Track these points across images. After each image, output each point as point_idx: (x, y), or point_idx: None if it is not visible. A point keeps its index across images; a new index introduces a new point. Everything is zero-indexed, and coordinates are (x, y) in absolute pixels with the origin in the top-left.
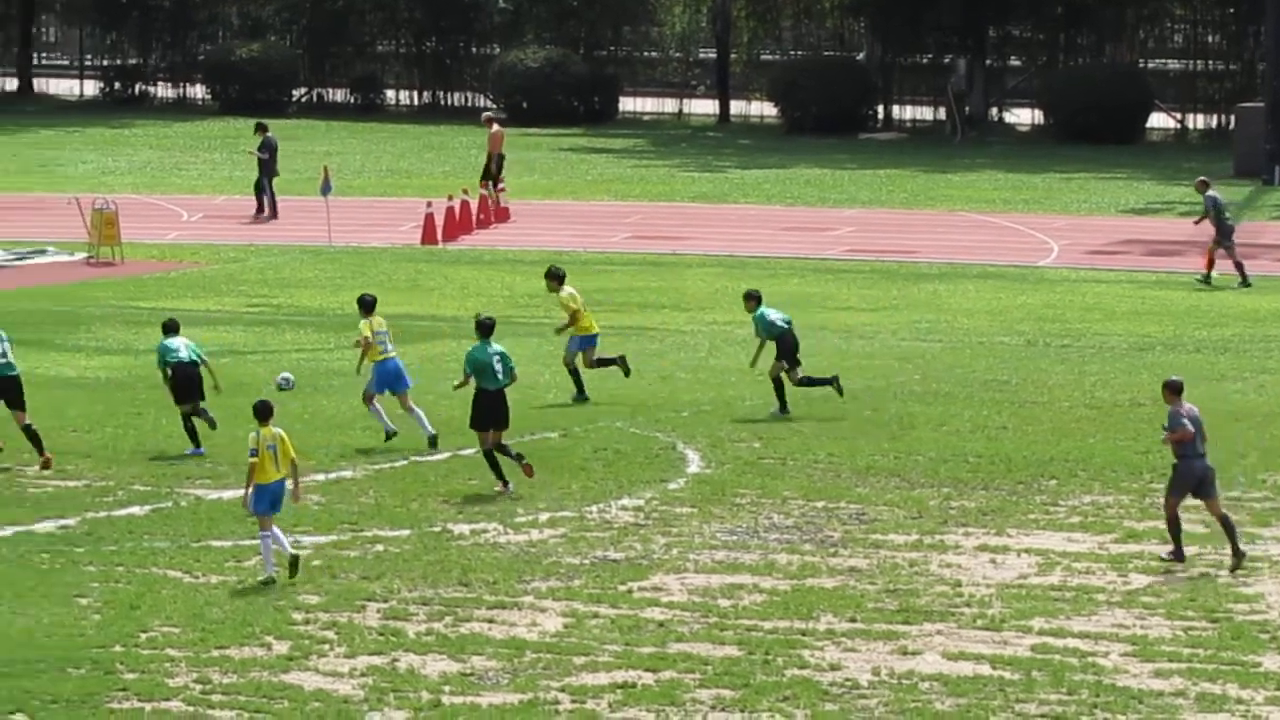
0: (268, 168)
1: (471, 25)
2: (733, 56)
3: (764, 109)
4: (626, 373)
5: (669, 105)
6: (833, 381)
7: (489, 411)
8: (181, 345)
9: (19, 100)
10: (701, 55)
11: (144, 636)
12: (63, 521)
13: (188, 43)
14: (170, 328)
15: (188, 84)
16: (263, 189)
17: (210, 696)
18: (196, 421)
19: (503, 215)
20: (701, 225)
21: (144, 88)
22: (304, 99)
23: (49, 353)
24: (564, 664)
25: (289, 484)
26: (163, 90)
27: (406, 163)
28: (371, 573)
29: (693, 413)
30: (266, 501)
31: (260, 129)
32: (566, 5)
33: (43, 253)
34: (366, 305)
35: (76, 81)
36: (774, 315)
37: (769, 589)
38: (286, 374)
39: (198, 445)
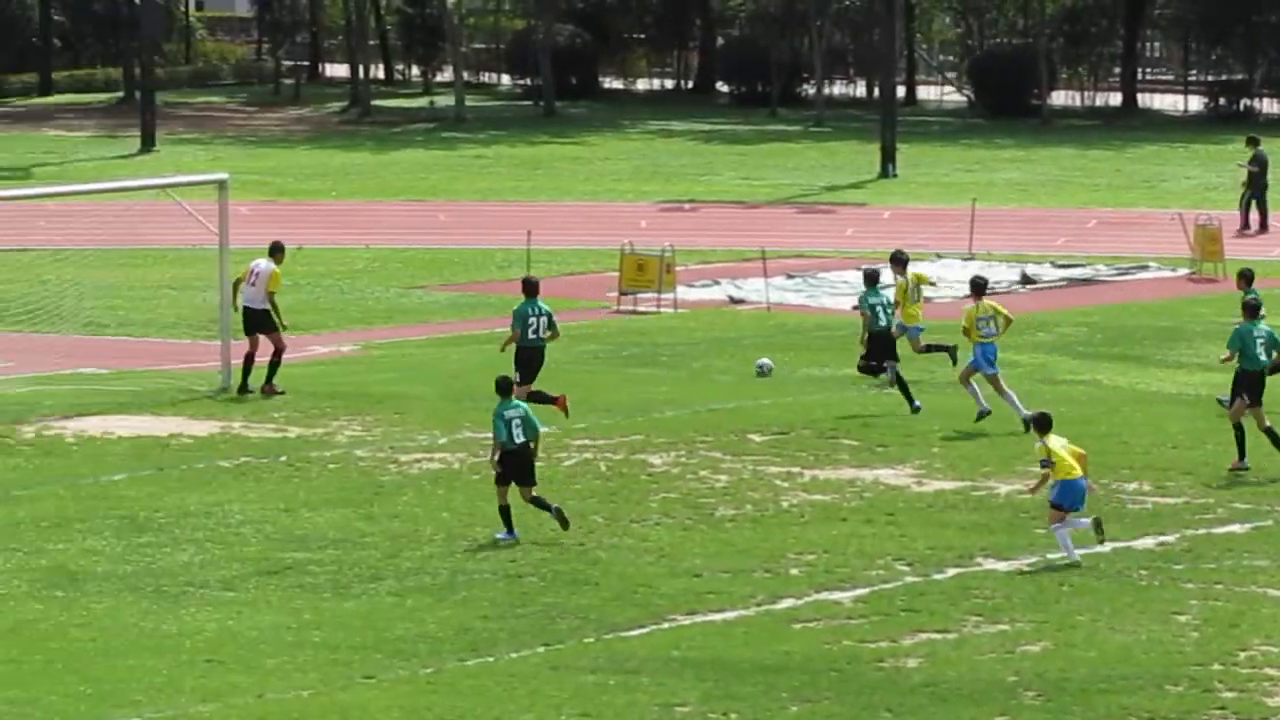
0: (1258, 181)
1: None
2: None
3: None
4: (955, 361)
5: None
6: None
7: (1242, 388)
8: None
9: (1124, 116)
10: None
11: (1242, 655)
12: (1162, 538)
13: None
14: (979, 286)
15: None
16: (1251, 203)
17: None
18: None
19: None
20: None
21: (1248, 103)
22: None
23: (1149, 368)
24: None
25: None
26: (1267, 106)
27: None
28: None
29: None
30: (1077, 498)
31: (1252, 142)
32: None
33: (1145, 268)
34: (978, 288)
35: (1180, 97)
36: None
37: None
38: (766, 360)
39: (912, 405)
